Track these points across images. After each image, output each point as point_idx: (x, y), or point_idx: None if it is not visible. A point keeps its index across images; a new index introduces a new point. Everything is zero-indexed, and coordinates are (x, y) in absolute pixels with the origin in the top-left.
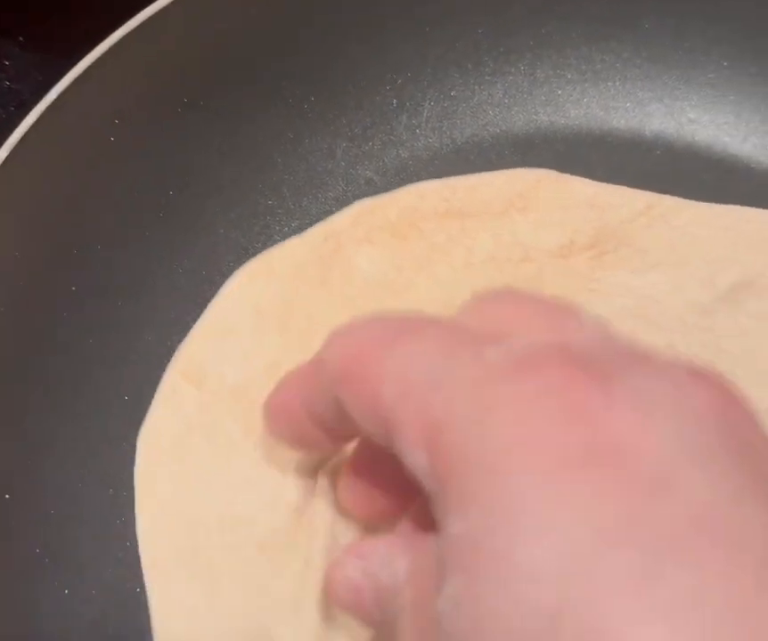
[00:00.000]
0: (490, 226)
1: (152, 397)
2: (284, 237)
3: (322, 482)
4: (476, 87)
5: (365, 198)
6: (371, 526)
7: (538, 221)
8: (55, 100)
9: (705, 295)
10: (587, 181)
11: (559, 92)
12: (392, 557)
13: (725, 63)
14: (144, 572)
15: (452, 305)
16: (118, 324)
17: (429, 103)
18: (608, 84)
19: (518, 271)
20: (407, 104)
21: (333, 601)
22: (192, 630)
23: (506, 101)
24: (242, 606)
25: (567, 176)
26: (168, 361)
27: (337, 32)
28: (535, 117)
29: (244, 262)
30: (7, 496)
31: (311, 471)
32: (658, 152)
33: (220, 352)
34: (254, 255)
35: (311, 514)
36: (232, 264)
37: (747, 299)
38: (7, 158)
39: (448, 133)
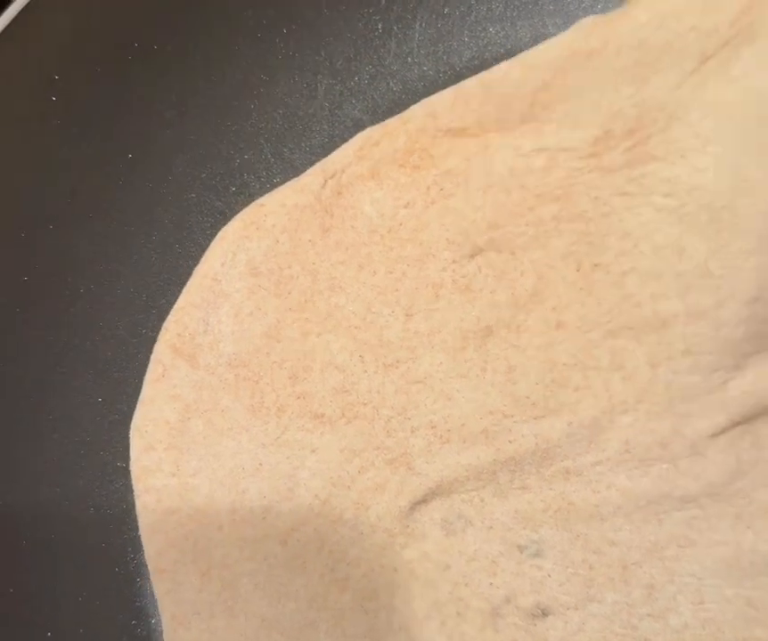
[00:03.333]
0: (512, 138)
1: (129, 394)
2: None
3: (352, 468)
4: (472, 2)
5: (369, 128)
6: None
7: (568, 113)
8: None
9: (754, 171)
10: (630, 32)
11: None
12: None
13: None
14: (152, 577)
15: (468, 242)
16: (81, 317)
17: (420, 25)
18: None
19: (544, 183)
20: (395, 28)
21: None
22: None
23: (508, 14)
24: (268, 612)
25: (604, 28)
26: (143, 352)
27: None
28: (542, 29)
29: (222, 227)
30: None
31: (336, 454)
32: None
33: (213, 321)
34: (232, 218)
35: (338, 502)
36: (209, 232)
37: None
38: None
39: (444, 58)
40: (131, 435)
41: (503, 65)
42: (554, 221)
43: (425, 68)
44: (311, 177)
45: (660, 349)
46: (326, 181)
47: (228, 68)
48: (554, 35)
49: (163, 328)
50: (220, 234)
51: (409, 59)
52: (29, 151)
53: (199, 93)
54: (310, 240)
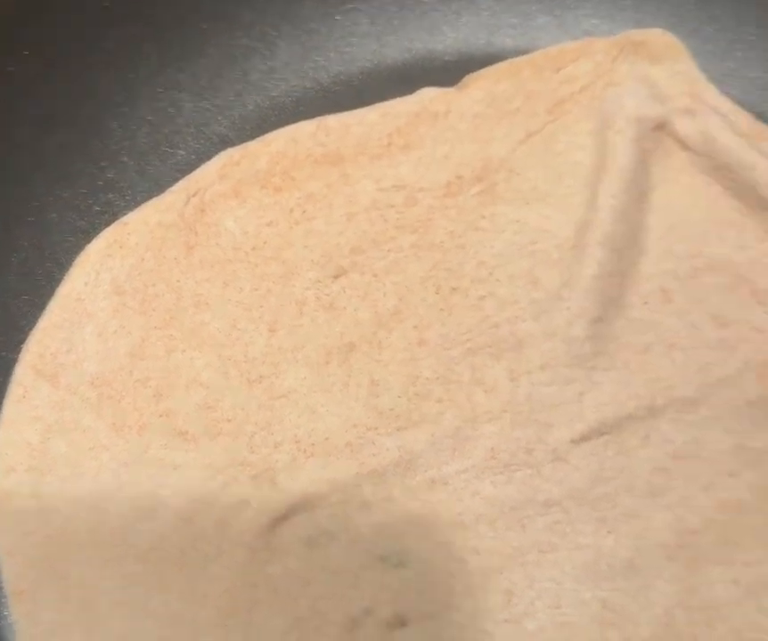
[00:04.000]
0: (371, 170)
1: None
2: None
3: (215, 485)
4: (337, 17)
5: (231, 148)
6: None
7: (422, 158)
8: None
9: (592, 215)
10: (467, 105)
11: (434, 13)
12: None
13: None
14: (10, 600)
15: (331, 264)
16: None
17: (285, 42)
18: None
19: (404, 216)
20: (259, 45)
21: None
22: None
23: (374, 30)
24: (125, 630)
25: (446, 98)
26: (2, 374)
27: None
28: (408, 45)
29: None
30: None
31: (200, 471)
32: None
33: (76, 341)
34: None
35: (200, 520)
36: (72, 252)
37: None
38: None
39: (311, 73)
40: None
41: (361, 110)
42: (413, 249)
43: (292, 84)
44: (174, 195)
45: (519, 365)
46: (189, 198)
47: (88, 88)
48: (420, 50)
49: (24, 350)
50: (83, 253)
51: (275, 75)
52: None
53: (58, 113)
54: (175, 258)
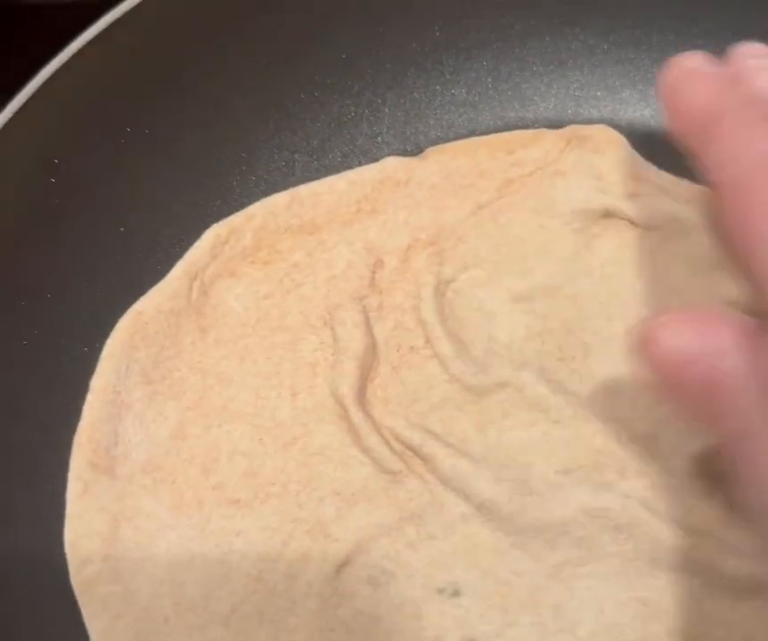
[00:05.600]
0: (344, 235)
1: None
2: None
3: (275, 543)
4: (437, 88)
5: (214, 224)
6: None
7: (386, 222)
8: None
9: (522, 284)
10: (426, 175)
11: (526, 85)
12: (735, 345)
13: (700, 41)
14: None
15: (326, 328)
16: None
17: (389, 109)
18: (577, 73)
19: (372, 278)
20: (366, 112)
21: (650, 363)
22: None
23: (470, 99)
24: None
25: (407, 167)
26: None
27: (283, 40)
28: (502, 113)
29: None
30: None
31: (259, 533)
32: (635, 140)
33: (121, 433)
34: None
35: (270, 577)
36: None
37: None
38: None
39: (412, 138)
40: (66, 551)
41: (331, 179)
42: (379, 310)
43: (393, 148)
44: (178, 281)
45: (485, 416)
46: (192, 283)
47: (213, 150)
48: (512, 118)
49: (75, 444)
50: (108, 345)
51: (379, 139)
52: (31, 226)
53: (185, 172)
54: (192, 343)
